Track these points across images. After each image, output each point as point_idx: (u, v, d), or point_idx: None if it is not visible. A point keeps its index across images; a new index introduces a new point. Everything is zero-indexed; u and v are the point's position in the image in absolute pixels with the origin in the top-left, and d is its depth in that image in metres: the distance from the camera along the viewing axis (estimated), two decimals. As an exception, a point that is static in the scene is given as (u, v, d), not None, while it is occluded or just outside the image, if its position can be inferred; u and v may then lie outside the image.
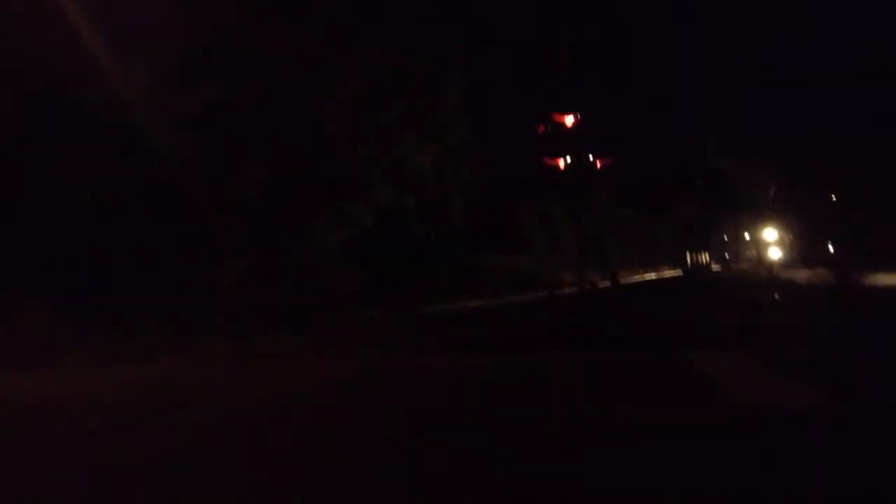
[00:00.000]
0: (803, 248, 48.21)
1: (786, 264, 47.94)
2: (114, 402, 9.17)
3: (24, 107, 17.02)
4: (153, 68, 18.12)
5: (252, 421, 7.82)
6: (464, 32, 30.49)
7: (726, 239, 73.34)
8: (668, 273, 50.32)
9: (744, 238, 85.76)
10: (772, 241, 50.24)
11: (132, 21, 16.97)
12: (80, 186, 18.44)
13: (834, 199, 47.05)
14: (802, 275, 34.92)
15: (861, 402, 7.31)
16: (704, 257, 48.09)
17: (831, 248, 46.90)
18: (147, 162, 18.89)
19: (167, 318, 16.99)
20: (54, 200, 18.18)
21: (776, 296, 23.07)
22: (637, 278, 47.17)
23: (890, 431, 6.21)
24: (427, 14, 26.37)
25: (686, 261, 47.54)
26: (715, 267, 44.83)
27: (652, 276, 49.90)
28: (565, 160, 38.02)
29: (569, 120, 35.89)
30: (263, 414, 8.18)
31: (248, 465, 5.99)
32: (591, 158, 39.39)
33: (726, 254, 71.12)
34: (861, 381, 8.39)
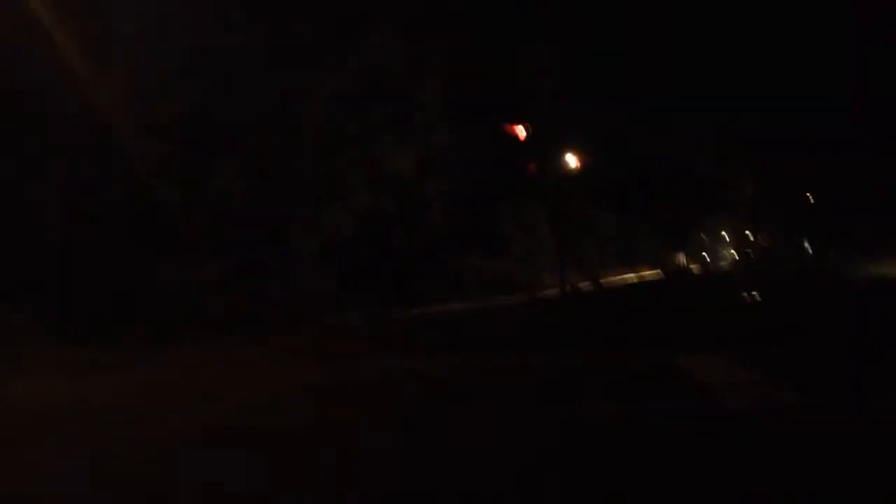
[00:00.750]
0: (777, 247, 48.68)
1: (764, 261, 48.33)
2: (81, 415, 9.11)
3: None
4: (129, 77, 18.05)
5: (227, 428, 7.83)
6: (443, 35, 30.60)
7: (706, 239, 73.93)
8: (648, 274, 50.63)
9: (723, 238, 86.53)
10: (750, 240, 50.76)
11: (108, 29, 16.90)
12: (58, 196, 18.34)
13: (811, 199, 47.62)
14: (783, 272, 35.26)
15: (836, 398, 7.39)
16: (684, 258, 48.45)
17: (808, 246, 47.47)
18: (124, 170, 18.80)
19: (145, 325, 16.92)
20: (31, 210, 18.05)
21: (756, 295, 23.25)
22: (617, 279, 47.44)
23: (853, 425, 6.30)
24: (406, 18, 26.43)
25: (666, 261, 47.82)
26: (694, 267, 45.20)
27: (632, 277, 50.19)
28: (540, 163, 38.16)
29: (521, 131, 36.20)
30: (239, 422, 8.19)
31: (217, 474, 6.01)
32: (568, 160, 39.57)
33: (705, 254, 71.69)
34: (836, 377, 8.48)
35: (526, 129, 35.68)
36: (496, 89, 36.93)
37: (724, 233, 78.50)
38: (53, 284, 17.87)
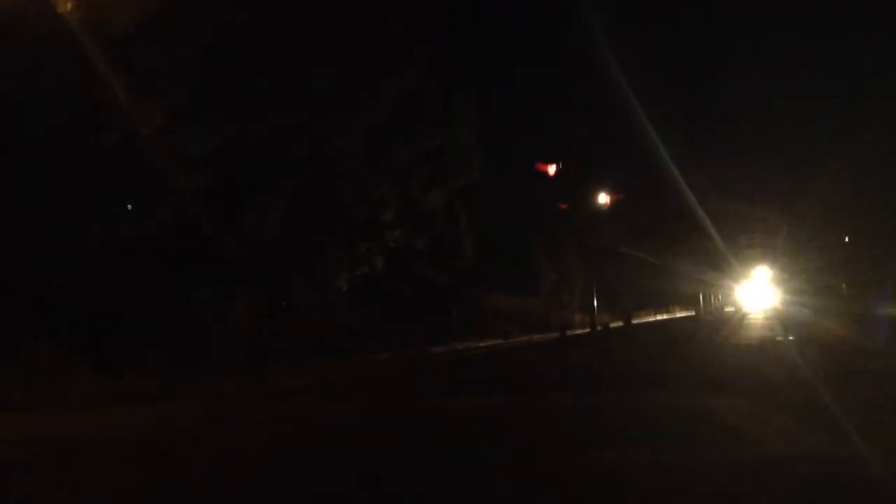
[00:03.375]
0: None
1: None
2: (122, 445, 9.05)
3: (41, 146, 17.15)
4: (168, 107, 18.27)
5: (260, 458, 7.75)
6: (476, 72, 30.81)
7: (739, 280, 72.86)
8: (680, 314, 50.08)
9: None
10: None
11: (150, 60, 17.14)
12: (94, 225, 18.54)
13: (847, 239, 46.84)
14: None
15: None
16: (718, 299, 47.75)
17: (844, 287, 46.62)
18: (160, 200, 18.98)
19: (179, 355, 16.95)
20: (71, 239, 18.25)
21: (790, 336, 22.81)
22: (650, 319, 46.97)
23: None
24: (440, 54, 26.61)
25: (699, 303, 47.21)
26: (728, 309, 44.48)
27: (664, 317, 49.68)
28: (573, 200, 37.92)
29: (551, 169, 36.11)
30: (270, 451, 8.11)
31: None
32: (602, 199, 39.33)
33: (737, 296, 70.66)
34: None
35: (557, 167, 35.61)
36: (529, 125, 37.05)
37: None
38: (89, 313, 17.98)
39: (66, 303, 17.86)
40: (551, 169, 36.70)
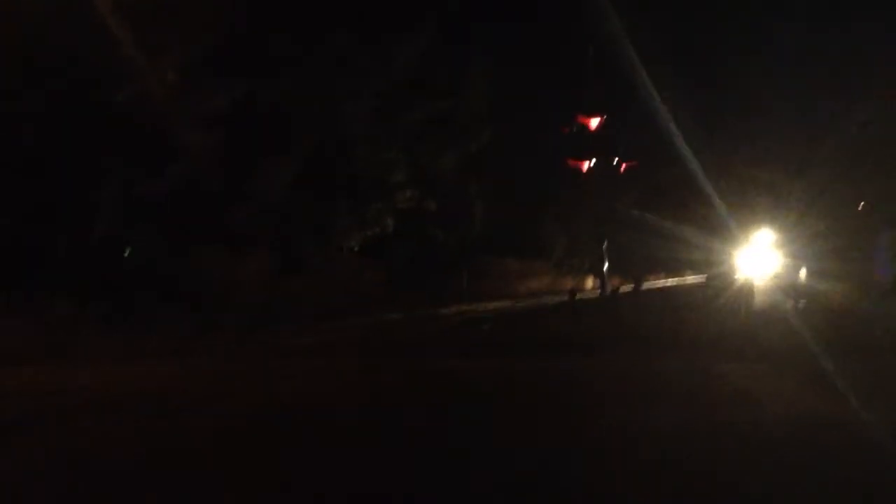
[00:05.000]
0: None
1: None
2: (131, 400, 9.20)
3: (52, 106, 17.16)
4: (180, 67, 18.23)
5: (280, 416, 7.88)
6: (487, 35, 30.52)
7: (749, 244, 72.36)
8: (691, 279, 49.95)
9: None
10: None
11: (162, 18, 17.06)
12: (106, 185, 18.61)
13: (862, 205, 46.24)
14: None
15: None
16: (730, 263, 47.49)
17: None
18: (171, 159, 19.01)
19: (189, 314, 17.11)
20: (82, 199, 18.33)
21: (799, 304, 22.58)
22: (660, 284, 46.94)
23: None
24: (452, 15, 26.35)
25: (711, 267, 47.08)
26: (737, 274, 44.26)
27: (674, 281, 49.62)
28: (589, 163, 37.66)
29: (594, 122, 35.48)
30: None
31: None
32: (616, 161, 39.04)
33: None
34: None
35: (601, 119, 34.94)
36: (542, 87, 36.68)
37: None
38: (102, 272, 18.13)
39: (79, 261, 18.00)
40: (594, 122, 36.10)
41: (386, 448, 6.16)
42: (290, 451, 6.18)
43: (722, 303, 24.28)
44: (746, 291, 29.17)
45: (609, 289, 34.58)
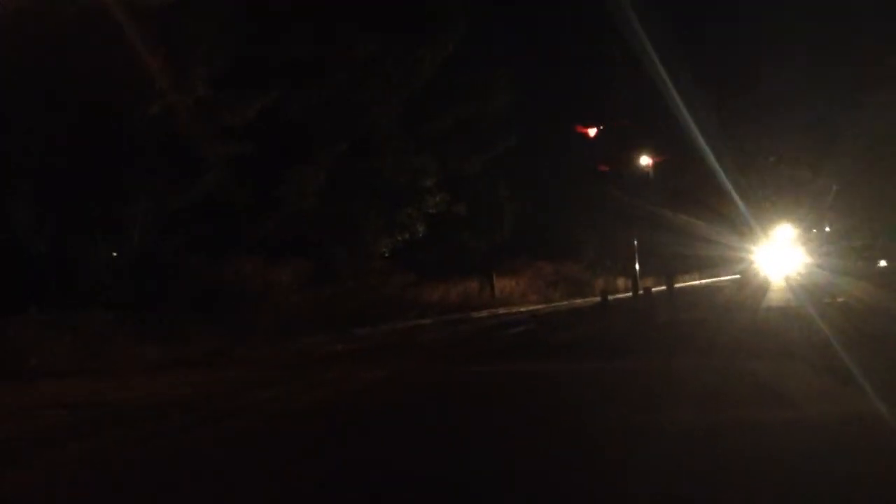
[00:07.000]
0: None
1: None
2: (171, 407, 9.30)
3: (84, 124, 17.40)
4: (207, 79, 18.39)
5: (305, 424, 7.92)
6: (512, 39, 30.53)
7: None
8: (723, 279, 49.58)
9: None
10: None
11: (189, 29, 17.24)
12: (139, 198, 18.83)
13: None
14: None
15: None
16: (758, 263, 47.07)
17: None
18: (203, 171, 19.22)
19: (224, 323, 17.26)
20: (116, 210, 18.57)
21: (836, 299, 22.16)
22: (694, 283, 46.57)
23: None
24: (478, 21, 26.35)
25: (743, 267, 46.65)
26: (766, 273, 43.70)
27: (707, 281, 49.22)
28: (615, 164, 37.57)
29: (591, 131, 35.81)
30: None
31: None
32: (644, 162, 38.79)
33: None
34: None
35: (598, 129, 35.29)
36: (568, 90, 36.65)
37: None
38: (137, 284, 18.34)
39: (115, 274, 18.24)
40: (591, 131, 36.45)
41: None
42: (335, 461, 6.19)
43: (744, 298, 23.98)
44: (763, 286, 28.92)
45: (641, 290, 34.25)
